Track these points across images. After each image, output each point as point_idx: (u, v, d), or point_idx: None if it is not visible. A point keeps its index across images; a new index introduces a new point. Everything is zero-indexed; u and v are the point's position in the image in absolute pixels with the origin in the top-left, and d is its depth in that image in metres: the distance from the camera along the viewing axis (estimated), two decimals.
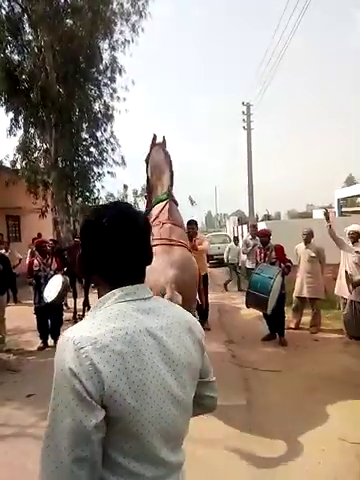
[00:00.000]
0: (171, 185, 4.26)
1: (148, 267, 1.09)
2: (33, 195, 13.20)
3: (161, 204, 4.11)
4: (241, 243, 11.04)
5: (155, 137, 4.49)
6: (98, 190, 14.76)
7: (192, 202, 19.95)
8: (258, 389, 4.12)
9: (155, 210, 4.12)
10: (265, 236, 5.82)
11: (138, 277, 1.04)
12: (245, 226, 24.85)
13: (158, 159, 4.35)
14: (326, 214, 5.48)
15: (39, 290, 5.95)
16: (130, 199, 19.28)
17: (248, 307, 4.99)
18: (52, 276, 5.98)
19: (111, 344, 0.88)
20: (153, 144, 4.43)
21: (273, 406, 3.70)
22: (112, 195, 17.76)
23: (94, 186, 14.47)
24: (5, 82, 10.03)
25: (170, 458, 0.98)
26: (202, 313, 6.84)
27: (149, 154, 4.48)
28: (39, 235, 11.12)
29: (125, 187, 18.88)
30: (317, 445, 3.00)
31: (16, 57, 12.31)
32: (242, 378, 4.45)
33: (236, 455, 2.92)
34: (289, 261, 5.63)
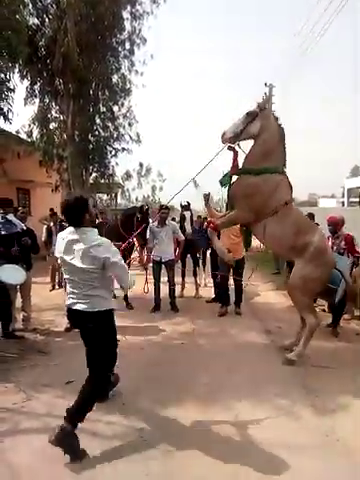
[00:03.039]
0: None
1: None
2: (47, 169, 12.70)
3: (283, 178, 4.40)
4: None
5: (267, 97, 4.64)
6: (113, 166, 14.33)
7: (196, 185, 20.06)
8: (318, 387, 3.81)
9: (278, 177, 4.34)
10: (335, 224, 5.57)
11: None
12: None
13: (276, 126, 4.38)
14: None
15: None
16: (135, 179, 19.07)
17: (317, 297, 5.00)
18: None
19: None
20: (264, 106, 4.42)
21: (343, 409, 3.39)
22: (127, 173, 17.35)
23: (109, 162, 14.02)
24: (25, 47, 9.43)
25: None
26: (236, 298, 6.66)
27: (260, 110, 4.35)
28: (52, 210, 10.73)
29: (141, 165, 18.55)
30: None
31: (35, 21, 11.67)
32: (297, 374, 4.14)
33: (330, 466, 2.61)
34: (358, 252, 5.35)
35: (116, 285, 4.22)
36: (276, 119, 4.42)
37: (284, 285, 5.18)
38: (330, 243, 5.52)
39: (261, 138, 4.32)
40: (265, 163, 4.28)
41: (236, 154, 4.43)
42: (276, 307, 7.19)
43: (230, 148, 4.40)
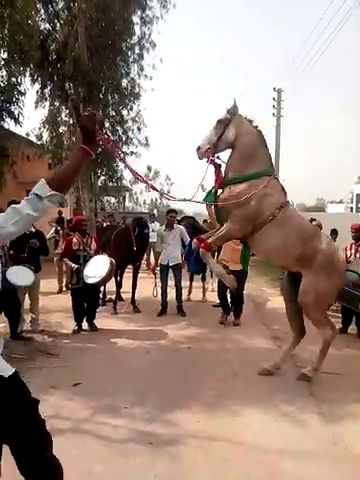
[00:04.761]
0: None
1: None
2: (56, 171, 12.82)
3: (278, 183, 4.06)
4: None
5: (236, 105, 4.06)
6: (121, 170, 14.39)
7: (203, 189, 20.23)
8: (325, 394, 3.79)
9: (273, 182, 3.97)
10: (359, 231, 5.73)
11: None
12: None
13: (252, 129, 4.02)
14: None
15: (77, 270, 5.63)
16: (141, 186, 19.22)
17: (335, 302, 4.90)
18: (91, 256, 5.65)
19: None
20: (234, 111, 4.02)
21: (351, 416, 3.37)
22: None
23: (117, 166, 14.08)
24: (37, 51, 9.59)
25: None
26: (236, 309, 6.52)
27: (231, 115, 3.98)
28: (60, 213, 10.82)
29: (149, 168, 18.67)
30: None
31: (47, 26, 11.80)
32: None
33: (337, 474, 2.59)
34: None
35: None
36: (250, 122, 4.06)
37: (281, 291, 4.82)
38: (354, 250, 5.62)
39: (240, 143, 3.94)
40: (250, 169, 3.92)
41: (219, 167, 4.06)
42: (283, 312, 7.09)
43: (211, 162, 4.02)
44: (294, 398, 3.68)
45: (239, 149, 3.94)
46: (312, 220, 7.58)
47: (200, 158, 4.00)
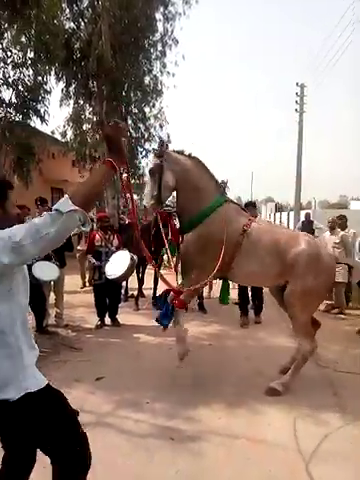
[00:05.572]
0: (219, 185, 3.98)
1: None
2: (79, 169, 13.03)
3: (233, 206, 3.89)
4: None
5: (163, 144, 3.97)
6: (143, 167, 14.48)
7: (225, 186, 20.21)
8: (348, 394, 3.72)
9: (230, 208, 3.81)
10: None
11: None
12: (284, 214, 24.16)
13: (187, 161, 3.83)
14: None
15: (99, 266, 5.72)
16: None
17: None
18: (113, 252, 5.72)
19: None
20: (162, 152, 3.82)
21: None
22: None
23: (140, 163, 14.19)
24: (62, 50, 9.77)
25: None
26: (257, 307, 6.52)
27: (160, 158, 3.79)
28: None
29: None
30: None
31: (71, 25, 11.98)
32: (326, 379, 4.07)
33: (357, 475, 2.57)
34: None
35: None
36: (181, 153, 3.86)
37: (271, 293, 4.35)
38: None
39: (181, 183, 3.77)
40: (200, 205, 3.72)
41: (169, 216, 3.99)
42: None
43: (160, 214, 3.96)
44: (316, 397, 3.64)
45: (182, 189, 3.80)
46: (340, 216, 7.47)
47: (151, 214, 3.96)
